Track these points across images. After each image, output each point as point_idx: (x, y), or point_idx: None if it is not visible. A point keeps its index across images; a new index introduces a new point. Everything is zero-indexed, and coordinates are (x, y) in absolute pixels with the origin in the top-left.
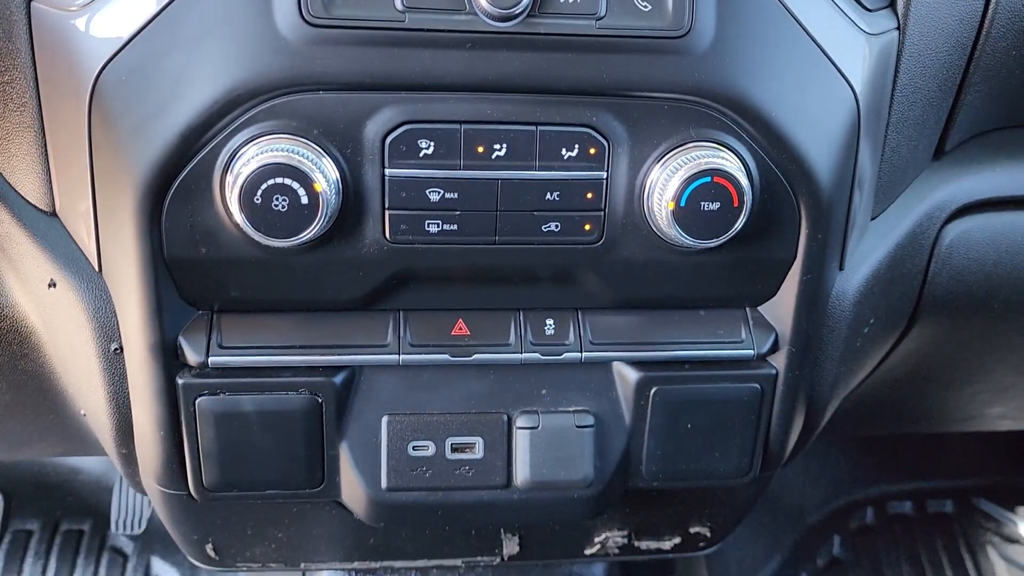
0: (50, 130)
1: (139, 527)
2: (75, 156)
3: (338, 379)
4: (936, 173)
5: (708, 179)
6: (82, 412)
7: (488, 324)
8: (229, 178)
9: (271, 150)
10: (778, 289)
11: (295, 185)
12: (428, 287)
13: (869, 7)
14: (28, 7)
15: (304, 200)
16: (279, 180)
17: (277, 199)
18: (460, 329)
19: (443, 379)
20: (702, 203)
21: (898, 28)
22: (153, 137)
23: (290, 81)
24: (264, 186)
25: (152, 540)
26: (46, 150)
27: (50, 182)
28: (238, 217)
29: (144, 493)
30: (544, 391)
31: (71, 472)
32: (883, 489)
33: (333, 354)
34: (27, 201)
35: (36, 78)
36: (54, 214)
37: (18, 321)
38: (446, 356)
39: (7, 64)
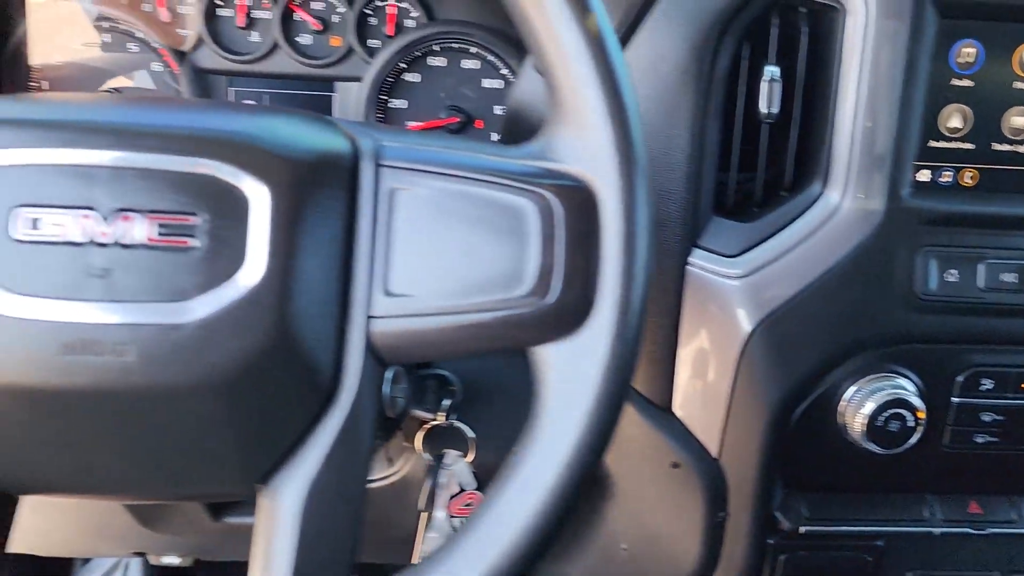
0: (695, 357)
1: None
2: (714, 379)
3: (880, 542)
4: None
5: None
6: (623, 546)
7: (993, 504)
8: (846, 404)
9: (889, 388)
10: None
11: (905, 412)
12: (952, 475)
13: None
14: (683, 268)
15: (910, 422)
16: (896, 410)
17: (892, 423)
18: (974, 508)
19: (951, 543)
20: None
21: None
22: (789, 375)
23: (899, 338)
24: (885, 414)
25: None
26: (673, 368)
27: (671, 391)
28: (859, 435)
29: None
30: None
31: None
32: None
33: (881, 526)
34: (649, 401)
35: (678, 318)
36: (668, 410)
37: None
38: (968, 529)
39: (662, 310)
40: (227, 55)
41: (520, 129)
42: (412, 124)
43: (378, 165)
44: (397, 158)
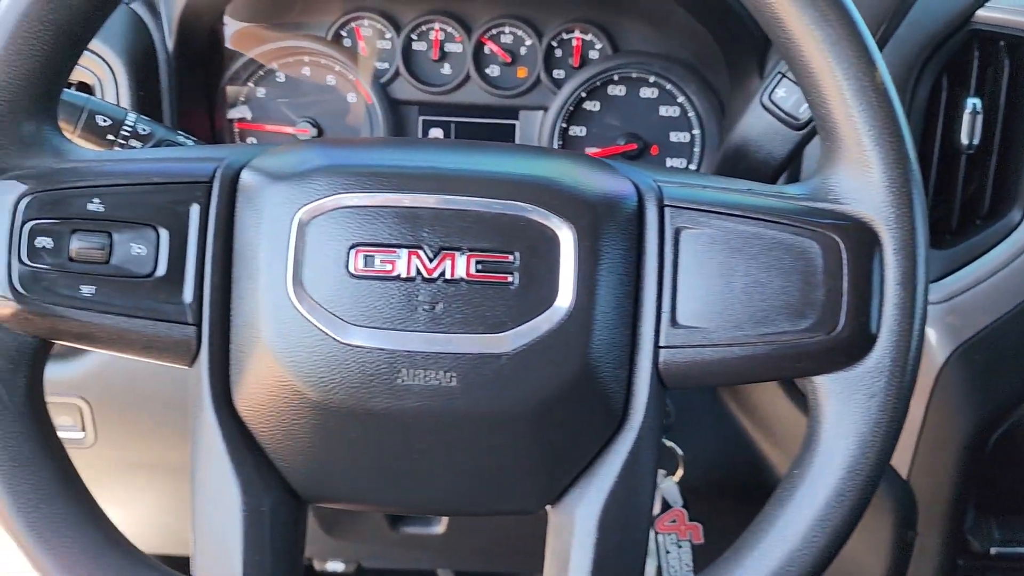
0: None
1: None
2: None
3: None
4: None
5: None
6: None
7: None
8: None
9: None
10: None
11: None
12: None
13: None
14: None
15: None
16: None
17: None
18: None
19: None
20: None
21: None
22: (986, 401)
23: None
24: None
25: None
26: None
27: None
28: None
29: None
30: None
31: None
32: None
33: None
34: None
35: None
36: None
37: None
38: None
39: None
40: (421, 86)
41: (743, 164)
42: (590, 151)
43: (662, 206)
44: (679, 199)
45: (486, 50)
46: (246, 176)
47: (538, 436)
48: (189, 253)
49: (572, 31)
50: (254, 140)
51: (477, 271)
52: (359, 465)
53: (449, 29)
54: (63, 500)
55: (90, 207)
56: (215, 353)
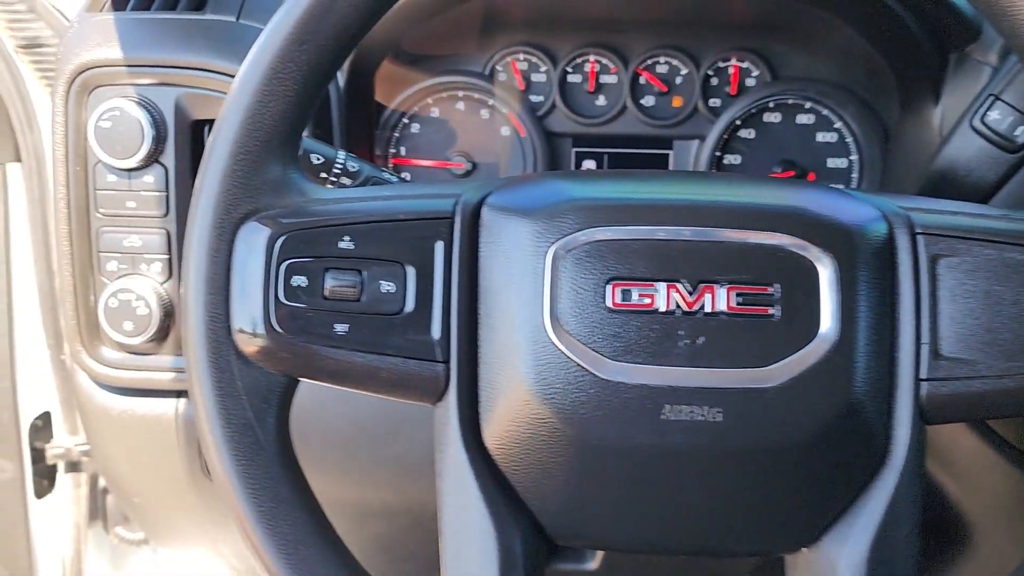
0: None
1: None
2: None
3: None
4: None
5: None
6: None
7: None
8: None
9: None
10: None
11: None
12: None
13: None
14: None
15: None
16: None
17: None
18: None
19: None
20: None
21: None
22: None
23: None
24: None
25: None
26: None
27: None
28: None
29: None
30: None
31: None
32: None
33: None
34: (1013, 447)
35: None
36: None
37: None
38: None
39: None
40: (577, 118)
41: (952, 188)
42: None
43: (914, 233)
44: (932, 226)
45: (641, 80)
46: (487, 213)
47: (802, 473)
48: (435, 290)
49: (729, 59)
50: (407, 175)
51: (738, 304)
52: (615, 504)
53: (605, 61)
54: (319, 541)
55: (341, 245)
56: (463, 390)
